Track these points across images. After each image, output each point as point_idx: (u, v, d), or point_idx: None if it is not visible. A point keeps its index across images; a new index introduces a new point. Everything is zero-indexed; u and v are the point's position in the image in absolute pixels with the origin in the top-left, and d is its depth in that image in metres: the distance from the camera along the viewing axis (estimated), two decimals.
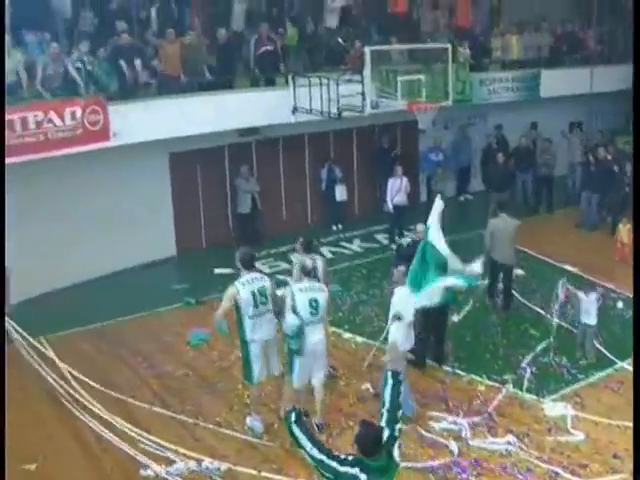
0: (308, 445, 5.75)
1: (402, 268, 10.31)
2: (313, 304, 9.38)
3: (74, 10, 15.41)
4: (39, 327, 12.37)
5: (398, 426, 5.85)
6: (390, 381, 6.10)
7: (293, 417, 5.95)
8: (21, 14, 14.10)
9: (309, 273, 9.79)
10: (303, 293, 9.46)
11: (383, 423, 5.83)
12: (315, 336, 9.40)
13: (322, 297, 9.50)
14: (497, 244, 13.27)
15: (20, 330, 11.38)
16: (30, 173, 13.56)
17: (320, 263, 10.92)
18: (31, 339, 11.43)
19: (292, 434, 5.90)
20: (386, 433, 5.72)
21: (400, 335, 9.52)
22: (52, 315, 13.58)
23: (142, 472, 8.91)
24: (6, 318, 11.12)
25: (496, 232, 13.31)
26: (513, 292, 13.73)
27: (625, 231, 15.75)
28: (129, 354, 12.36)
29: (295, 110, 16.21)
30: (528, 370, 11.18)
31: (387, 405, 5.96)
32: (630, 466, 8.47)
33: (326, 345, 9.71)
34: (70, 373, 11.20)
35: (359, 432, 5.65)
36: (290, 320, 9.28)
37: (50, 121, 13.27)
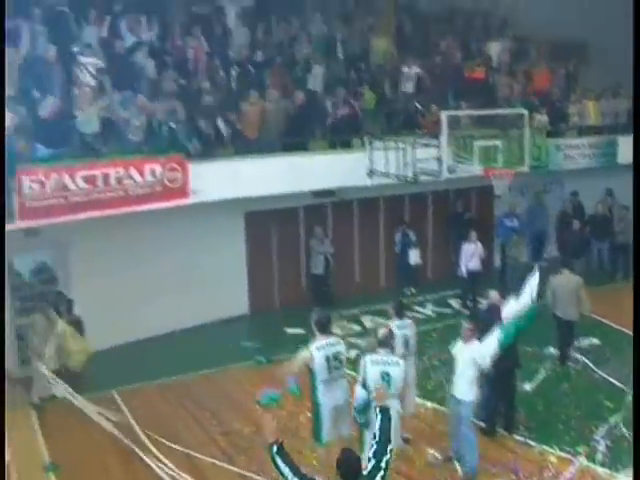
0: (290, 475, 6.13)
1: (470, 325, 10.02)
2: (385, 378, 8.86)
3: (158, 70, 15.89)
4: (111, 379, 12.54)
5: (386, 458, 6.24)
6: (379, 416, 6.75)
7: (275, 449, 6.29)
8: (108, 71, 14.65)
9: (384, 343, 9.22)
10: (375, 366, 9.00)
11: (370, 454, 6.30)
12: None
13: (396, 372, 8.93)
14: (559, 300, 13.44)
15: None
16: (109, 226, 13.88)
17: (410, 330, 10.68)
18: (101, 391, 11.57)
19: (275, 465, 6.27)
20: (371, 463, 6.19)
21: (466, 384, 9.57)
22: (124, 368, 13.77)
23: None
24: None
25: (558, 288, 13.42)
26: (582, 357, 13.53)
27: None
28: (198, 410, 12.43)
29: (371, 173, 16.28)
30: (602, 442, 10.90)
31: (377, 438, 6.47)
32: None
33: (399, 421, 9.15)
34: (138, 426, 11.32)
35: (340, 458, 6.04)
36: (358, 394, 8.97)
37: (130, 177, 13.58)
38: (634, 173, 12.08)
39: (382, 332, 9.25)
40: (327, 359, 9.17)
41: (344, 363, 9.37)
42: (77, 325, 13.48)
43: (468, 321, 10.13)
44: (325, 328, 9.49)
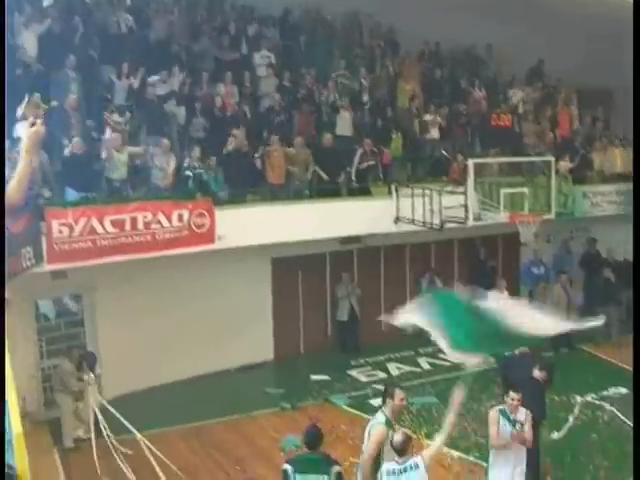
0: None
1: (517, 395, 9.22)
2: None
3: (188, 116, 16.08)
4: (134, 424, 12.53)
5: None
6: None
7: None
8: (139, 118, 14.88)
9: (400, 451, 7.86)
10: (391, 476, 7.80)
11: None
12: None
13: (416, 477, 7.71)
14: None
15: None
16: (136, 271, 13.97)
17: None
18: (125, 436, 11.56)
19: None
20: None
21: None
22: (148, 412, 13.75)
23: None
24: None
25: None
26: (610, 406, 13.43)
27: None
28: (222, 456, 12.39)
29: (397, 220, 16.31)
30: None
31: None
32: None
33: None
34: (163, 472, 11.29)
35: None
36: None
37: (158, 222, 13.67)
38: (634, 182, 11.91)
39: (397, 438, 7.95)
40: None
41: None
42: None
43: (512, 391, 9.23)
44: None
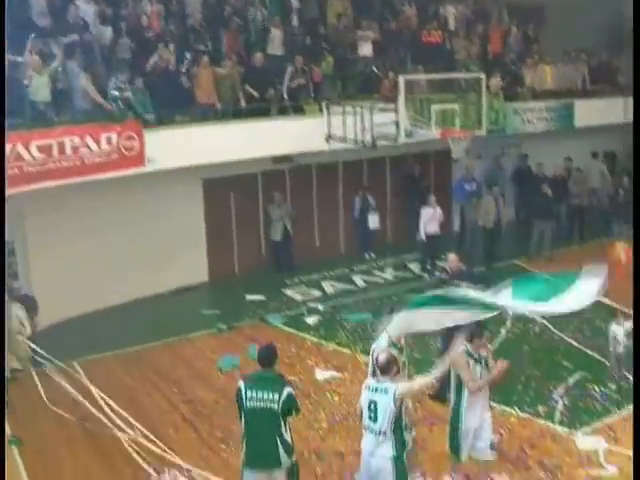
0: None
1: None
2: (371, 407, 7.68)
3: (113, 37, 15.66)
4: (71, 350, 12.45)
5: None
6: None
7: None
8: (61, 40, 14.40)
9: (385, 370, 7.70)
10: (367, 392, 7.77)
11: None
12: (372, 448, 7.75)
13: (382, 401, 7.57)
14: None
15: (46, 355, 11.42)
16: (65, 197, 13.73)
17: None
18: (61, 363, 11.46)
19: None
20: None
21: None
22: (83, 339, 13.68)
23: None
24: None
25: None
26: (540, 319, 13.76)
27: (621, 249, 15.73)
28: (160, 379, 12.38)
29: (329, 138, 16.24)
30: (560, 402, 11.04)
31: None
32: None
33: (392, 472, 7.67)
34: (101, 396, 11.25)
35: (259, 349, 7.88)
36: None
37: (86, 146, 13.39)
38: (634, 182, 12.05)
39: (381, 357, 7.80)
40: None
41: None
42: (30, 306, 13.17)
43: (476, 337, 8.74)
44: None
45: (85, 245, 14.69)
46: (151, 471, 9.44)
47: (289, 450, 7.80)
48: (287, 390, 7.65)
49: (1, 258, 9.61)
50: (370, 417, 7.63)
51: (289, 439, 7.81)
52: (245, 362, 12.74)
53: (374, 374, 8.05)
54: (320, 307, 15.45)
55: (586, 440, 10.04)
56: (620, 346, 11.52)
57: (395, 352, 8.19)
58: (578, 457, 9.66)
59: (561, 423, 10.56)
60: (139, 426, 10.47)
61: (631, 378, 11.45)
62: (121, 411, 10.73)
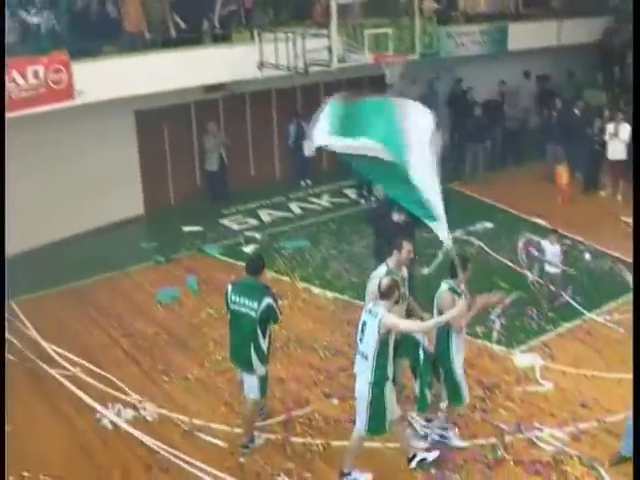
0: None
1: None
2: (363, 329, 7.65)
3: None
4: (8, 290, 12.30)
5: None
6: None
7: None
8: None
9: (384, 294, 7.64)
10: (363, 313, 7.78)
11: None
12: (358, 370, 7.75)
13: (370, 324, 7.53)
14: None
15: None
16: None
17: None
18: None
19: None
20: None
21: None
22: (20, 278, 13.48)
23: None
24: None
25: None
26: (477, 240, 14.04)
27: (564, 171, 16.01)
28: (99, 314, 12.31)
29: (261, 65, 16.02)
30: (497, 322, 11.29)
31: None
32: (597, 415, 8.82)
33: (367, 397, 7.61)
34: (40, 335, 11.20)
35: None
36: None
37: (12, 80, 12.98)
38: (634, 182, 12.10)
39: (384, 281, 7.73)
40: None
41: None
42: None
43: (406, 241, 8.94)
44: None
45: (17, 184, 14.35)
46: (96, 405, 9.51)
47: (263, 358, 8.19)
48: (267, 300, 8.06)
49: (1, 256, 9.44)
50: (360, 339, 7.66)
51: (264, 348, 8.18)
52: (185, 294, 12.76)
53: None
54: (257, 236, 15.46)
55: (523, 358, 10.33)
56: (553, 267, 11.77)
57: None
58: (515, 375, 9.94)
59: (498, 342, 10.83)
60: (82, 362, 10.55)
61: (568, 299, 11.83)
62: (60, 350, 10.77)
